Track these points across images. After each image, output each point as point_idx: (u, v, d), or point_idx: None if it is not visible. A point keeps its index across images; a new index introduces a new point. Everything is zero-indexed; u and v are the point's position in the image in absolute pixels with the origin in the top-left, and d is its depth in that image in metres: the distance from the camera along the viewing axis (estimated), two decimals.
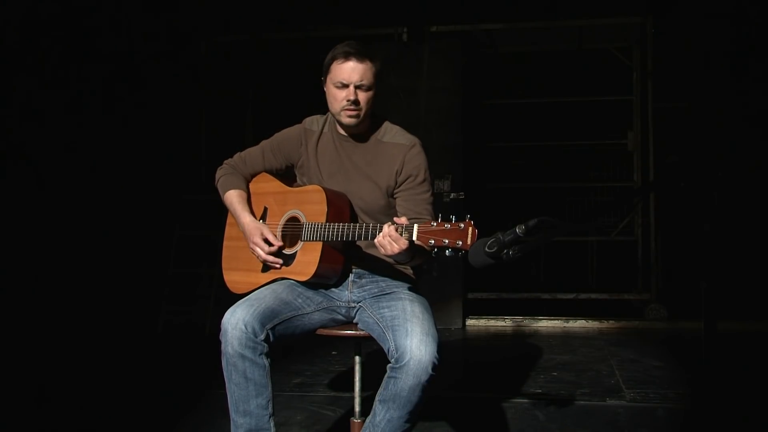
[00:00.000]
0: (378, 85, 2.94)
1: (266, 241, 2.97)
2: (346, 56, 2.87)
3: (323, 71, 2.96)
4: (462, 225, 2.47)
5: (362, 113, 2.93)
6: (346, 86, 2.89)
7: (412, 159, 2.97)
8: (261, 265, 3.07)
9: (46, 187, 6.46)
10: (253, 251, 2.99)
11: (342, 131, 3.06)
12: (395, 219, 2.63)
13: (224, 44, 7.70)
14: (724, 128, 7.01)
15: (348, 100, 2.88)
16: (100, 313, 6.65)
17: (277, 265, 2.96)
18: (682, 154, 7.54)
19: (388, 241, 2.61)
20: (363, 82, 2.88)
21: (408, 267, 3.03)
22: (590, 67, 8.01)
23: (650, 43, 7.20)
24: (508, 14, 7.21)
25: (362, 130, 3.02)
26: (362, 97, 2.90)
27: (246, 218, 3.05)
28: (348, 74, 2.87)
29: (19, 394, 4.62)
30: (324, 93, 3.02)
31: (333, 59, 2.90)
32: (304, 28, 7.46)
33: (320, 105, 3.06)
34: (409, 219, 2.62)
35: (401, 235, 2.58)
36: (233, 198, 3.12)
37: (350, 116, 2.93)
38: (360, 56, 2.87)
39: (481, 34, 7.55)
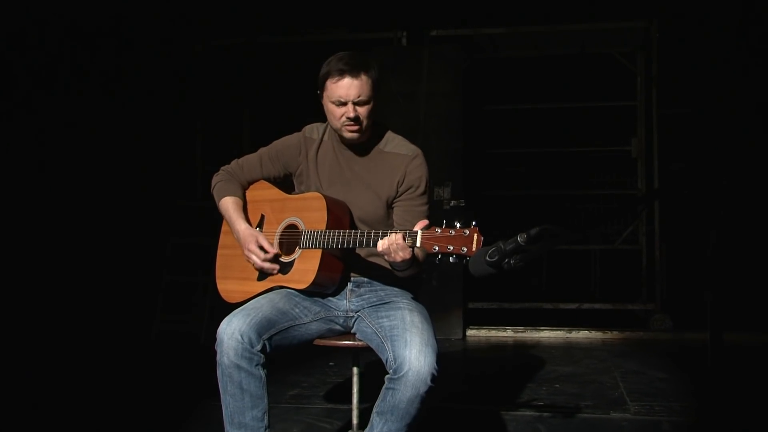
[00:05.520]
0: (377, 94, 2.91)
1: (261, 248, 2.93)
2: (341, 73, 2.83)
3: (318, 85, 2.93)
4: (467, 231, 2.46)
5: (363, 126, 2.91)
6: (344, 104, 2.86)
7: (414, 170, 2.96)
8: (256, 273, 3.04)
9: (39, 192, 6.42)
10: (248, 259, 2.97)
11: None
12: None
13: (220, 48, 7.67)
14: (730, 135, 6.96)
15: (347, 117, 2.86)
16: (93, 321, 6.61)
17: (274, 272, 2.93)
18: (687, 161, 7.52)
19: (394, 249, 2.60)
20: (361, 98, 2.85)
21: (406, 275, 2.95)
22: (593, 72, 7.97)
23: (655, 48, 7.18)
24: (509, 18, 7.18)
25: (363, 140, 3.00)
26: (362, 111, 2.87)
27: (241, 225, 3.02)
28: (345, 92, 2.84)
29: (10, 404, 4.55)
30: (321, 103, 2.99)
31: (327, 76, 2.87)
32: (302, 32, 7.43)
33: (318, 110, 3.03)
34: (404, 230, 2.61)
35: (405, 240, 2.57)
36: (228, 205, 3.09)
37: (351, 131, 2.91)
38: (355, 71, 2.83)
39: (482, 38, 7.50)
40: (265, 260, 2.91)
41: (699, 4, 6.80)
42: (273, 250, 2.92)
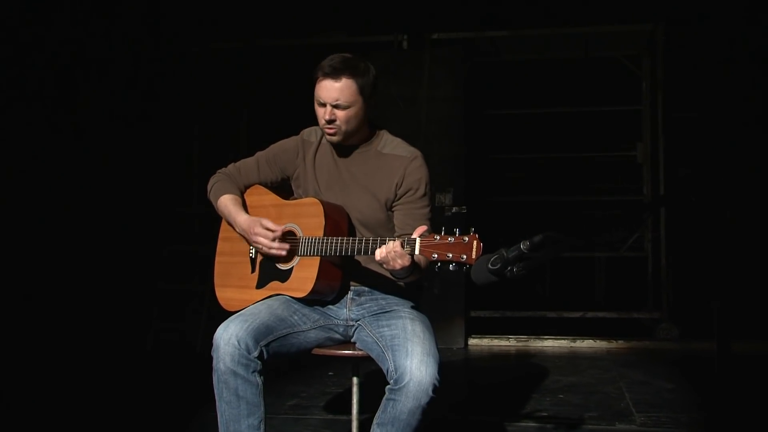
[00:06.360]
0: (364, 100, 2.90)
1: (267, 229, 2.91)
2: (323, 75, 2.86)
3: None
4: (466, 239, 2.45)
5: (341, 131, 2.91)
6: (323, 105, 2.88)
7: (413, 172, 2.95)
8: (255, 281, 3.02)
9: (33, 198, 6.37)
10: (257, 244, 2.92)
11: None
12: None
13: (218, 51, 7.63)
14: (737, 140, 6.91)
15: (324, 119, 2.88)
16: (88, 329, 6.56)
17: (283, 253, 2.88)
18: (693, 166, 7.47)
19: (392, 256, 2.59)
20: (339, 101, 2.85)
21: (407, 281, 2.92)
22: (598, 75, 7.93)
23: (661, 52, 7.12)
24: (511, 21, 7.16)
25: (359, 142, 3.01)
26: (340, 115, 2.87)
27: (241, 217, 3.00)
28: (324, 93, 2.86)
29: (6, 411, 4.54)
30: None
31: (315, 76, 2.90)
32: (301, 35, 7.41)
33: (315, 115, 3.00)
34: (405, 234, 2.60)
35: (403, 248, 2.54)
36: (227, 201, 3.07)
37: (329, 134, 2.93)
38: (336, 74, 2.84)
39: (484, 41, 7.47)
40: (274, 239, 2.87)
41: (704, 7, 6.78)
42: (279, 227, 2.88)
